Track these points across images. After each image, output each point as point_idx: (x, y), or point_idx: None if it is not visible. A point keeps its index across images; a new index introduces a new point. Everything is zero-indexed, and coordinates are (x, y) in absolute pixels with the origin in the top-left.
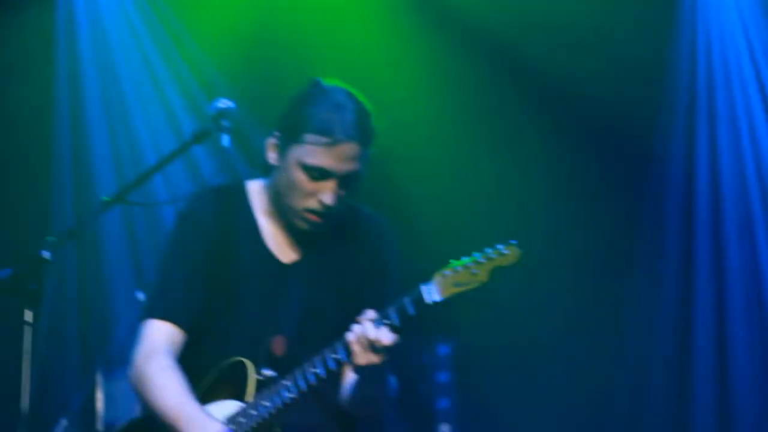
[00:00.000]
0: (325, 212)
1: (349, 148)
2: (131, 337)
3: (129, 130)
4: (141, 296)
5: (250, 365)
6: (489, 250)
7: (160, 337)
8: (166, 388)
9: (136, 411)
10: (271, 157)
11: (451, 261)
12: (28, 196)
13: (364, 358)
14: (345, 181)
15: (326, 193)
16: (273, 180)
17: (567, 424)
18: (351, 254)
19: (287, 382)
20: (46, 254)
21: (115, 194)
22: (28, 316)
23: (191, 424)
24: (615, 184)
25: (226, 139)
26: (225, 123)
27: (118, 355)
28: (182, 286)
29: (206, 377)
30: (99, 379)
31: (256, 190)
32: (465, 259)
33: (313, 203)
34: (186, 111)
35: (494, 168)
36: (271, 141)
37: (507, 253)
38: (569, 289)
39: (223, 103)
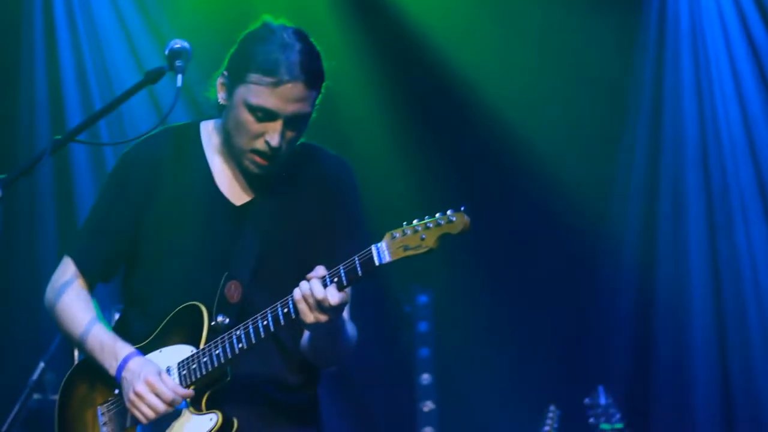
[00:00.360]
0: (272, 154)
1: (295, 89)
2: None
3: (102, 71)
4: None
5: (205, 311)
6: (438, 216)
7: (69, 274)
8: (76, 319)
9: None
10: (221, 96)
11: (404, 223)
12: None
13: (311, 316)
14: (292, 122)
15: (272, 135)
16: (223, 120)
17: (546, 371)
18: (307, 196)
19: (239, 332)
20: None
21: (67, 133)
22: None
23: (104, 350)
24: None
25: (179, 79)
26: (179, 63)
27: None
28: (97, 234)
29: (162, 320)
30: None
31: (208, 130)
32: (415, 222)
33: (259, 144)
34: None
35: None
36: (220, 80)
37: (454, 220)
38: (543, 237)
39: (178, 44)
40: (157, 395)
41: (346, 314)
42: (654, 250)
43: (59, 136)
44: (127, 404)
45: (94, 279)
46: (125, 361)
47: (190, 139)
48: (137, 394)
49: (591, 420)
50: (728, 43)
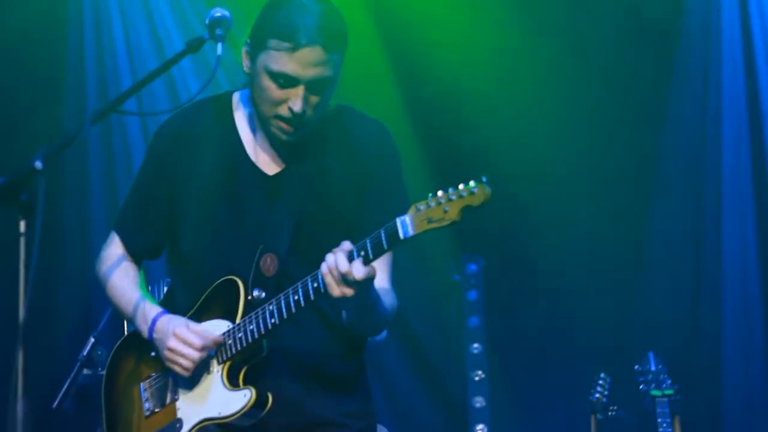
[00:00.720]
0: (296, 120)
1: (313, 53)
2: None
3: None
4: None
5: (241, 285)
6: (460, 187)
7: (115, 247)
8: (116, 289)
9: None
10: (246, 65)
11: (429, 195)
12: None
13: (337, 290)
14: (313, 87)
15: (294, 101)
16: (250, 89)
17: (596, 338)
18: (342, 162)
19: (272, 307)
20: (38, 164)
21: (107, 104)
22: (22, 226)
23: (137, 315)
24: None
25: (219, 48)
26: (219, 32)
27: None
28: (138, 210)
29: (201, 294)
30: None
31: (239, 100)
32: (439, 194)
33: (282, 111)
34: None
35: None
36: (244, 49)
37: (476, 192)
38: (593, 208)
39: (219, 12)
40: (188, 345)
41: (387, 284)
42: (703, 218)
43: (99, 107)
44: (166, 363)
45: (138, 254)
46: (153, 322)
47: (222, 110)
48: (170, 350)
49: (641, 386)
50: None
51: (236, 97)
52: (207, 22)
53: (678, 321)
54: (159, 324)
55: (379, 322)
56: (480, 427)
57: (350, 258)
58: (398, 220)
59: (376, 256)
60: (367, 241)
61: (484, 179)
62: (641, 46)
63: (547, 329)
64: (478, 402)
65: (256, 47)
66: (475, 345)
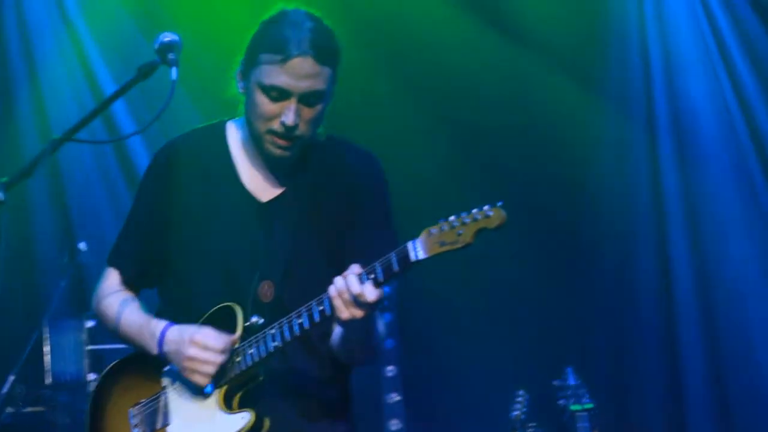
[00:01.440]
0: (289, 134)
1: (304, 64)
2: (75, 288)
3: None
4: (84, 247)
5: (239, 311)
6: (474, 211)
7: (112, 281)
8: (116, 315)
9: (83, 363)
10: (240, 86)
11: (439, 220)
12: None
13: (347, 313)
14: (306, 100)
15: (287, 114)
16: (244, 110)
17: (513, 356)
18: (334, 191)
19: (273, 331)
20: None
21: (65, 132)
22: None
23: (142, 333)
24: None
25: (174, 72)
26: (171, 56)
27: (62, 308)
28: (134, 239)
29: (196, 321)
30: (45, 332)
31: (233, 128)
32: (452, 218)
33: (275, 125)
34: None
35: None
36: (238, 71)
37: (491, 215)
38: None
39: (168, 37)
40: (209, 349)
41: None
42: (635, 235)
43: (57, 136)
44: (185, 374)
45: (136, 284)
46: (162, 336)
47: (216, 138)
48: (190, 358)
49: (561, 401)
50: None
51: (230, 125)
52: (156, 47)
53: (596, 335)
54: (170, 335)
55: (374, 347)
56: None
57: (360, 281)
58: (409, 243)
59: (386, 279)
60: (377, 264)
61: (499, 203)
62: None
63: (463, 348)
64: (394, 425)
65: (249, 64)
66: (390, 367)
